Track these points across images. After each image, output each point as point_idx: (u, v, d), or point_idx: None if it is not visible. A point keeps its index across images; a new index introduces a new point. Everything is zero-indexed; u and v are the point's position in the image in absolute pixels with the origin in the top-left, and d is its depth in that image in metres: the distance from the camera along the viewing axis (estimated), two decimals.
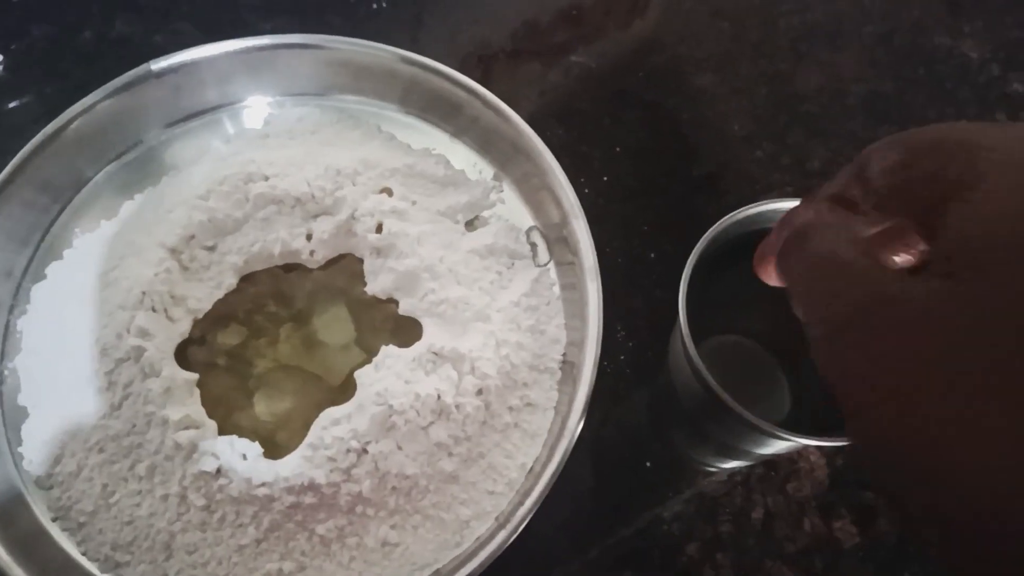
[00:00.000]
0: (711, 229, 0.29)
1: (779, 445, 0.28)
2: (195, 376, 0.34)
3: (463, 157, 0.41)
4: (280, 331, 0.36)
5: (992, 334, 0.13)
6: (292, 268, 0.37)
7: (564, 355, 0.36)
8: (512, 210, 0.40)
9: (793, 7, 0.48)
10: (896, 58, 0.47)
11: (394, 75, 0.40)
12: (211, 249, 0.35)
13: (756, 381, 0.34)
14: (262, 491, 0.31)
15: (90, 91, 0.37)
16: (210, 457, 0.32)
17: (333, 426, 0.32)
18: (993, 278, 0.14)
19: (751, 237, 0.31)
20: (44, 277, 0.37)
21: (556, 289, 0.38)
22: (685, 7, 0.47)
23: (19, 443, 0.34)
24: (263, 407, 0.35)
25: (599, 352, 0.34)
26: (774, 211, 0.30)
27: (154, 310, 0.33)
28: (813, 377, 0.35)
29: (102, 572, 0.32)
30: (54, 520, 0.33)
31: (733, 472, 0.37)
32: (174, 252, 0.34)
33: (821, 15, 0.47)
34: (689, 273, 0.27)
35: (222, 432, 0.33)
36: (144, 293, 0.33)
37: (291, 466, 0.32)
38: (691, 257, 0.28)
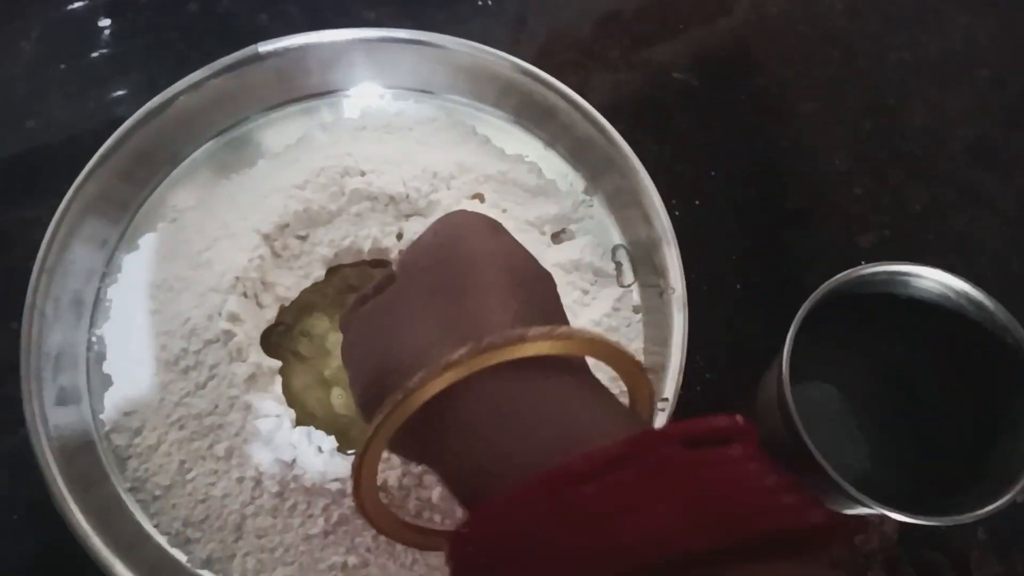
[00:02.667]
0: (824, 285, 0.28)
1: (861, 509, 0.28)
2: (278, 364, 0.34)
3: (555, 167, 0.40)
4: None
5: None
6: (378, 264, 0.37)
7: None
8: (600, 225, 0.39)
9: (906, 40, 0.46)
10: (1008, 105, 0.45)
11: (494, 77, 0.39)
12: (303, 239, 0.36)
13: (840, 432, 0.34)
14: (335, 486, 0.32)
15: (192, 65, 0.37)
16: (288, 447, 0.32)
17: None
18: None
19: (858, 295, 0.30)
20: (136, 248, 0.37)
21: (637, 312, 0.37)
22: (797, 29, 0.45)
23: (101, 410, 0.35)
24: (340, 401, 0.35)
25: (679, 386, 0.33)
26: (889, 272, 0.29)
27: (245, 296, 0.34)
28: (900, 438, 0.34)
29: (172, 546, 0.33)
30: (129, 490, 0.34)
31: None
32: (267, 238, 0.35)
33: (934, 52, 0.46)
34: (795, 331, 0.27)
35: (299, 422, 0.33)
36: (238, 279, 0.33)
37: None
38: (799, 313, 0.27)
